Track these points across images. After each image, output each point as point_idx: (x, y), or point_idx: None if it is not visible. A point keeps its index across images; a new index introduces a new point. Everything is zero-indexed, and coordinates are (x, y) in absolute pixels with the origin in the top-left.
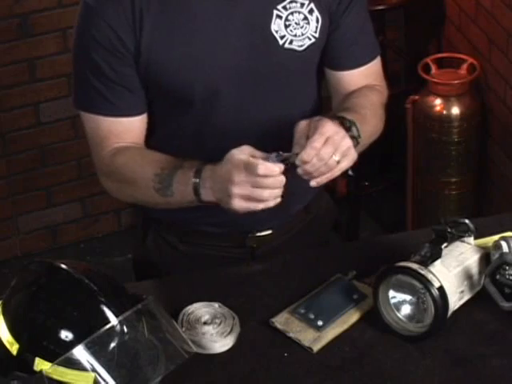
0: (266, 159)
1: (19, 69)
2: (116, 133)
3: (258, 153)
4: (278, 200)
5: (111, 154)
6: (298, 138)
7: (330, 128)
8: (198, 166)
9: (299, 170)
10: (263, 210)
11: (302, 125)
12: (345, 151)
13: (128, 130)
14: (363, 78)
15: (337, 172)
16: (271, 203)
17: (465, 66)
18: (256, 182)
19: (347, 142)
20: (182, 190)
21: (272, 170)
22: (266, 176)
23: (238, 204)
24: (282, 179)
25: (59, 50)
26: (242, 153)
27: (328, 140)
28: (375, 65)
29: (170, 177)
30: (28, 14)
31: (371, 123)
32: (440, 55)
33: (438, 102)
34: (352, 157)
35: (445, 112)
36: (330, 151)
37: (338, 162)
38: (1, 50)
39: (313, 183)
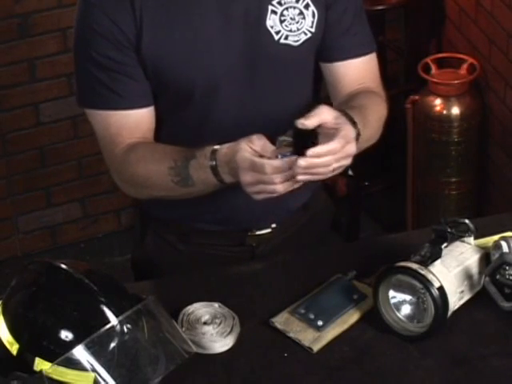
0: (275, 155)
1: (19, 69)
2: (127, 127)
3: (267, 145)
4: (297, 185)
5: (123, 152)
6: (318, 120)
7: (350, 136)
8: (212, 150)
9: (301, 161)
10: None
11: (328, 114)
12: (345, 162)
13: (138, 123)
14: (357, 72)
15: (324, 177)
16: (288, 190)
17: (465, 66)
18: (265, 180)
19: (352, 153)
20: (202, 178)
21: (279, 168)
22: (274, 173)
23: (255, 197)
24: (292, 172)
25: (59, 50)
26: (247, 150)
27: (342, 148)
28: (370, 62)
29: (186, 168)
30: (28, 14)
31: (373, 127)
32: (440, 55)
33: (438, 102)
34: (346, 165)
35: (445, 112)
36: (337, 160)
37: (333, 170)
38: (1, 49)
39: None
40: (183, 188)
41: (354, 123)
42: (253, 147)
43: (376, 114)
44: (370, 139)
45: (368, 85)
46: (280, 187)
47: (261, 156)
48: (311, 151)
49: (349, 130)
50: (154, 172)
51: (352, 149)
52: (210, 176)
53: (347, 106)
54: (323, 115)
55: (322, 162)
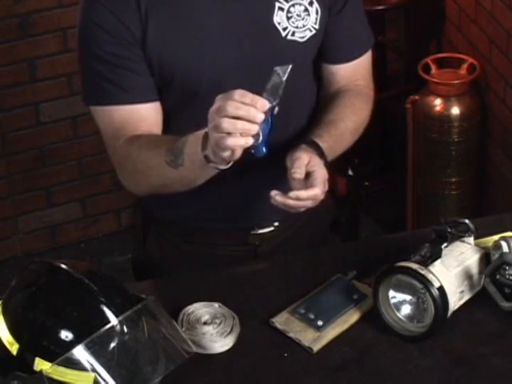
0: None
1: (19, 69)
2: (131, 122)
3: None
4: (244, 140)
5: (126, 143)
6: (297, 166)
7: (325, 180)
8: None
9: (290, 201)
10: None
11: (303, 157)
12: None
13: (143, 118)
14: (351, 71)
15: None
16: (241, 141)
17: (465, 66)
18: (225, 105)
19: (320, 199)
20: (192, 151)
21: (245, 95)
22: (239, 98)
23: (212, 135)
24: (245, 112)
25: (59, 50)
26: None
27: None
28: (365, 60)
29: (182, 146)
30: (28, 13)
31: (348, 140)
32: (440, 55)
33: (437, 102)
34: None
35: (445, 112)
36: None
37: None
38: (1, 49)
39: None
40: (174, 171)
41: (322, 154)
42: None
43: (353, 124)
44: (343, 150)
45: (359, 82)
46: (228, 125)
47: None
48: (293, 193)
49: (323, 174)
50: (153, 155)
51: (324, 193)
52: (199, 145)
53: (325, 121)
54: (303, 160)
55: (299, 204)
